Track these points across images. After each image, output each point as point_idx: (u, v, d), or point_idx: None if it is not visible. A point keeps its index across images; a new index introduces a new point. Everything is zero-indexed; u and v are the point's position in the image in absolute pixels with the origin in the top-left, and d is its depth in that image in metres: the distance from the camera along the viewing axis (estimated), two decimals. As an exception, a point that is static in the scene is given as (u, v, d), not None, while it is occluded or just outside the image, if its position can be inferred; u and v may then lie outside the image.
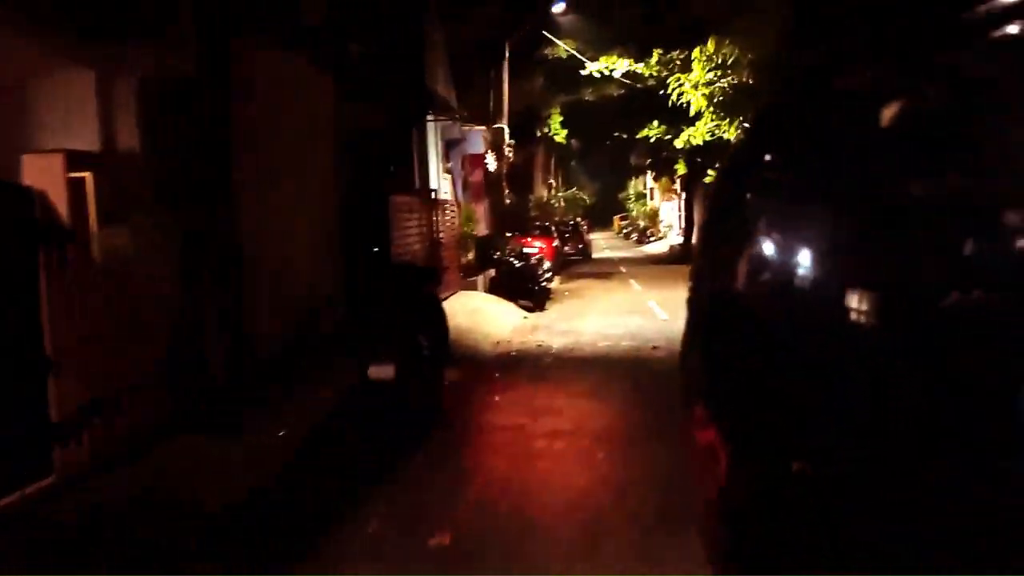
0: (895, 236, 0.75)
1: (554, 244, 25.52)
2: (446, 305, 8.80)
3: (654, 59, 19.58)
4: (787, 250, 0.91)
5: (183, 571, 3.43)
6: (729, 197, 1.20)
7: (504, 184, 23.56)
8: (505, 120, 16.47)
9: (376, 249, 9.19)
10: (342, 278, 8.11)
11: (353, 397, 6.02)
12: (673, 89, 14.75)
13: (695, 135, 20.11)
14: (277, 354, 6.30)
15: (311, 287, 7.43)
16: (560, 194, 54.46)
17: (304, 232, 7.53)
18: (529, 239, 25.54)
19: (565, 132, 20.76)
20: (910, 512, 0.71)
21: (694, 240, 37.18)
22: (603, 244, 49.19)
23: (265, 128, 6.59)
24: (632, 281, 21.80)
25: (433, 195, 14.15)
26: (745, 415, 0.95)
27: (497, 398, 7.87)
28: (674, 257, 33.15)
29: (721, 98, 14.98)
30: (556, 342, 11.68)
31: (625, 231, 60.13)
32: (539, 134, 21.49)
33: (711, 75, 14.66)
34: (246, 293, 5.53)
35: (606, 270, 26.67)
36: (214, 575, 3.53)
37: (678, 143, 20.69)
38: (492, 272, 17.11)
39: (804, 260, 0.87)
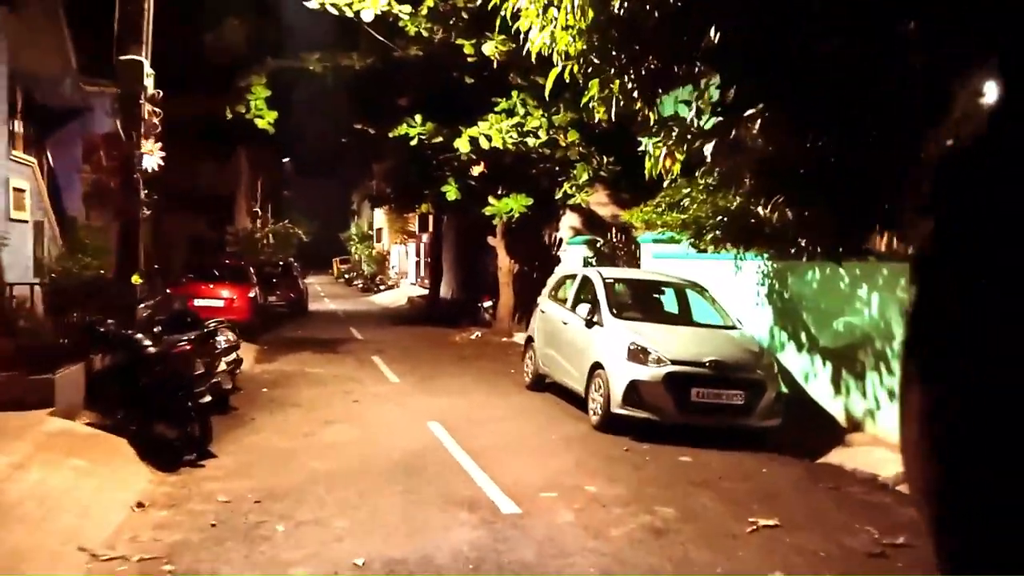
0: None
1: (251, 295, 16.58)
2: None
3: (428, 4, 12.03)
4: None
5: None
6: None
7: (143, 193, 14.39)
8: (146, 54, 7.95)
9: None
10: None
11: None
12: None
13: (493, 132, 12.79)
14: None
15: None
16: (270, 228, 44.76)
17: None
18: (210, 287, 16.34)
19: (273, 116, 12.24)
20: None
21: (444, 290, 30.25)
22: (322, 292, 40.23)
23: None
24: (378, 361, 13.69)
25: None
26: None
27: None
28: (420, 314, 25.55)
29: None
30: None
31: (347, 276, 51.75)
32: (231, 113, 12.71)
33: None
34: None
35: (333, 335, 18.24)
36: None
37: (459, 145, 13.22)
38: (103, 362, 8.06)
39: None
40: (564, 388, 9.69)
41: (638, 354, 8.07)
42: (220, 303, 16.22)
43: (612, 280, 9.53)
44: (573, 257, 16.71)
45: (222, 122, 19.80)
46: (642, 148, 8.67)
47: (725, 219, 8.34)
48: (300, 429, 8.10)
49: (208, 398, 6.89)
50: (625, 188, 16.53)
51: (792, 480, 6.86)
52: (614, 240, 15.08)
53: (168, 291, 16.49)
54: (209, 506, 5.50)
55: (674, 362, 7.96)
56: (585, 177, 13.72)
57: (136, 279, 8.27)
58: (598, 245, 16.21)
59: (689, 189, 9.08)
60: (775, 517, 5.51)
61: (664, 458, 7.33)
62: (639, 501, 5.84)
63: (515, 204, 15.44)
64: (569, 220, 17.60)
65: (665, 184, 7.57)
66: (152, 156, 13.92)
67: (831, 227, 7.22)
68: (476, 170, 16.39)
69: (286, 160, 39.02)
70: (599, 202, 17.35)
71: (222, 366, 8.99)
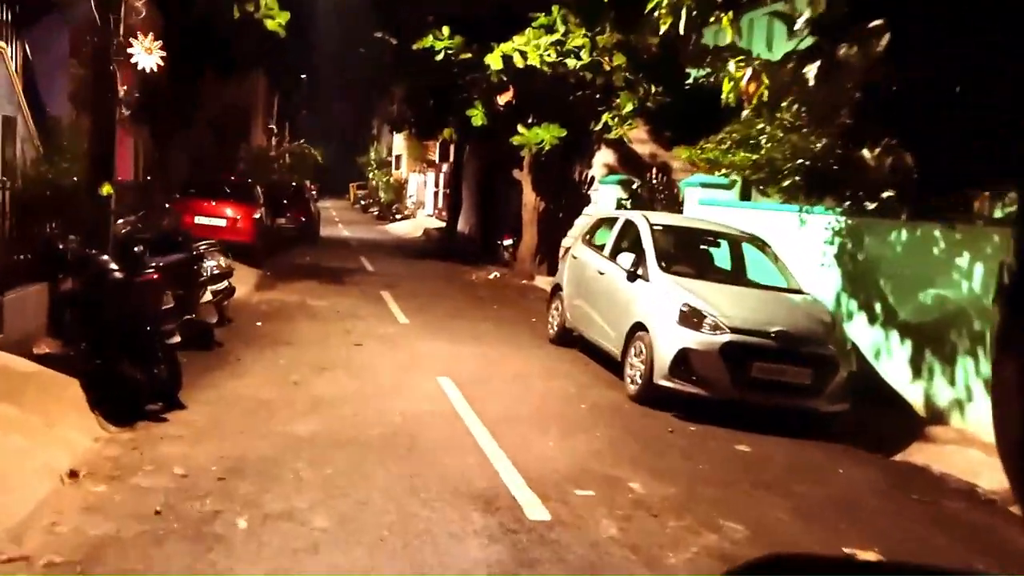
0: None
1: (256, 216, 15.33)
2: None
3: None
4: None
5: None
6: None
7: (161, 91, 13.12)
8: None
9: None
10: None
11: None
12: None
13: (529, 49, 11.30)
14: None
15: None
16: (286, 148, 43.22)
17: None
18: (211, 204, 15.13)
19: (285, 17, 10.74)
20: None
21: (462, 224, 28.84)
22: (336, 217, 39.00)
23: None
24: (387, 297, 12.51)
25: None
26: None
27: None
28: (435, 247, 24.30)
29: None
30: None
31: (363, 203, 50.44)
32: (239, 11, 11.22)
33: None
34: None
35: (342, 263, 17.06)
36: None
37: (490, 62, 11.73)
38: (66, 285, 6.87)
39: None
40: (595, 346, 8.49)
41: (691, 317, 6.81)
42: (222, 222, 15.02)
43: (661, 227, 8.19)
44: (605, 198, 15.31)
45: (234, 29, 18.24)
46: (695, 78, 7.25)
47: (806, 162, 6.94)
48: (289, 375, 6.95)
49: (177, 338, 5.74)
50: (669, 125, 15.01)
51: (874, 486, 5.66)
52: (653, 182, 13.65)
53: (167, 206, 15.35)
54: (160, 480, 4.37)
55: (734, 330, 6.70)
56: (629, 107, 12.20)
57: (106, 189, 7.01)
58: (634, 186, 14.79)
59: (762, 125, 7.66)
60: (873, 547, 4.32)
61: (717, 445, 6.15)
62: (696, 509, 4.66)
63: (546, 134, 13.96)
64: (603, 157, 16.12)
65: (744, 114, 6.15)
66: (151, 55, 12.59)
67: (948, 180, 5.86)
68: (503, 99, 14.89)
69: (303, 77, 37.23)
70: (638, 139, 15.83)
71: (207, 296, 7.84)
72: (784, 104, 6.39)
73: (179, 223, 9.21)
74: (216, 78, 24.46)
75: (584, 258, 9.10)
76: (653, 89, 12.18)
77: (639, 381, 7.08)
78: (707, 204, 11.35)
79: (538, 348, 9.28)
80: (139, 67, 12.23)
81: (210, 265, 8.75)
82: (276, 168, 36.79)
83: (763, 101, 5.88)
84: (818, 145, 6.84)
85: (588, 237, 9.45)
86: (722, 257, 8.85)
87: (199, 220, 14.82)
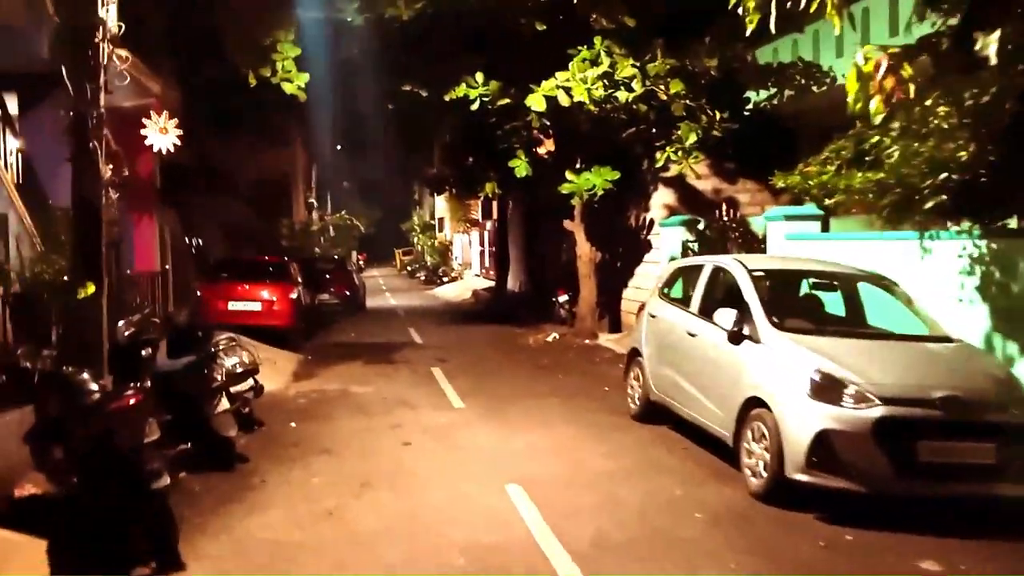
0: None
1: (293, 296, 14.25)
2: None
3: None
4: None
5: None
6: None
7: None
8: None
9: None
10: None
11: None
12: None
13: (574, 84, 10.06)
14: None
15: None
16: (330, 218, 42.92)
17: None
18: (245, 287, 14.12)
19: (304, 79, 9.69)
20: None
21: (512, 281, 27.52)
22: (383, 285, 38.25)
23: None
24: (438, 374, 11.14)
25: None
26: None
27: None
28: (486, 309, 23.04)
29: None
30: None
31: (410, 268, 49.89)
32: (255, 78, 10.31)
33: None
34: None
35: (389, 337, 15.83)
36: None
37: (532, 103, 10.51)
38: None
39: None
40: (690, 422, 6.95)
41: (828, 388, 5.25)
42: (257, 306, 13.98)
43: (762, 272, 6.68)
44: (668, 242, 13.85)
45: (267, 96, 17.60)
46: (755, 102, 5.83)
47: (952, 176, 5.41)
48: (323, 500, 5.56)
49: (165, 480, 4.40)
50: (732, 156, 13.58)
51: None
52: (725, 219, 12.15)
53: (198, 293, 14.39)
54: None
55: (886, 400, 5.11)
56: (693, 138, 10.80)
57: (88, 290, 5.84)
58: (700, 227, 13.31)
59: (877, 138, 6.17)
60: None
61: (893, 562, 4.53)
62: None
63: (597, 179, 12.64)
64: (661, 197, 14.71)
65: (876, 121, 4.68)
66: (166, 135, 11.71)
67: None
68: (543, 148, 13.70)
69: (339, 147, 37.00)
70: (697, 173, 14.41)
71: (223, 404, 6.56)
72: (928, 102, 4.96)
73: (197, 315, 8.03)
74: (249, 153, 24.10)
75: (665, 316, 7.61)
76: (718, 116, 10.78)
77: (763, 474, 5.51)
78: (796, 239, 9.81)
79: (621, 429, 7.75)
80: (155, 149, 11.41)
81: (231, 363, 7.52)
82: (319, 241, 36.37)
83: (904, 100, 4.40)
84: (964, 154, 5.33)
85: (666, 290, 7.98)
86: (833, 303, 7.27)
87: (232, 306, 13.80)
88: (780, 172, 8.51)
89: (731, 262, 6.93)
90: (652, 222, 14.88)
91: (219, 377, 6.57)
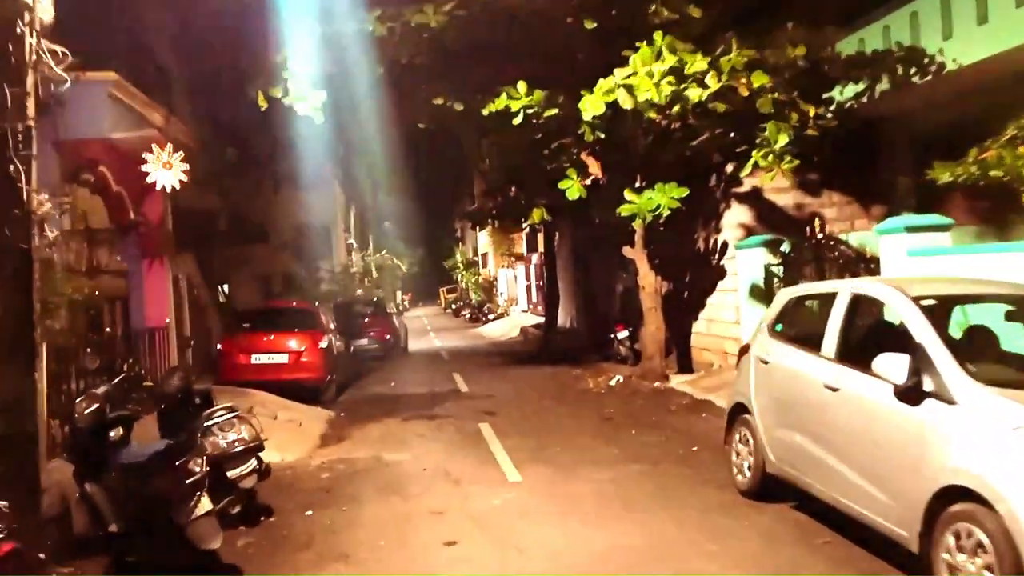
0: None
1: (322, 345, 12.71)
2: None
3: None
4: None
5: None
6: None
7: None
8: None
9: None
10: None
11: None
12: None
13: (639, 80, 8.40)
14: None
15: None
16: (371, 258, 41.74)
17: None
18: (268, 338, 12.67)
19: (322, 99, 8.22)
20: None
21: (562, 317, 25.63)
22: (427, 325, 36.79)
23: None
24: (487, 434, 9.39)
25: None
26: None
27: None
28: (536, 349, 21.26)
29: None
30: None
31: (454, 306, 48.51)
32: (264, 100, 8.86)
33: None
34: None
35: (430, 386, 14.16)
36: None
37: (588, 107, 8.87)
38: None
39: None
40: (830, 503, 5.09)
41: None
42: (283, 358, 12.52)
43: (933, 300, 4.83)
44: (746, 267, 11.99)
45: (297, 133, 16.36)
46: (838, 102, 4.00)
47: None
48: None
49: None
50: (816, 165, 11.72)
51: None
52: (820, 236, 10.26)
53: (219, 347, 12.96)
54: None
55: None
56: (783, 139, 8.96)
57: None
58: (783, 247, 11.45)
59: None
60: None
61: None
62: None
63: (662, 197, 10.87)
64: (735, 216, 12.89)
65: None
66: (170, 171, 10.34)
67: None
68: (592, 168, 12.05)
69: (377, 183, 35.92)
70: (773, 188, 12.59)
71: (203, 505, 4.91)
72: None
73: (187, 379, 6.47)
74: (284, 197, 22.98)
75: (784, 363, 5.77)
76: (812, 111, 8.95)
77: (982, 604, 3.63)
78: (923, 254, 7.91)
79: (731, 513, 5.87)
80: (158, 187, 10.07)
81: (225, 440, 5.94)
82: (362, 283, 35.13)
83: None
84: None
85: (782, 326, 6.14)
86: (1003, 334, 5.34)
87: (256, 359, 12.37)
88: (940, 163, 6.67)
89: (882, 288, 5.09)
90: (725, 244, 13.04)
91: (198, 469, 4.94)
